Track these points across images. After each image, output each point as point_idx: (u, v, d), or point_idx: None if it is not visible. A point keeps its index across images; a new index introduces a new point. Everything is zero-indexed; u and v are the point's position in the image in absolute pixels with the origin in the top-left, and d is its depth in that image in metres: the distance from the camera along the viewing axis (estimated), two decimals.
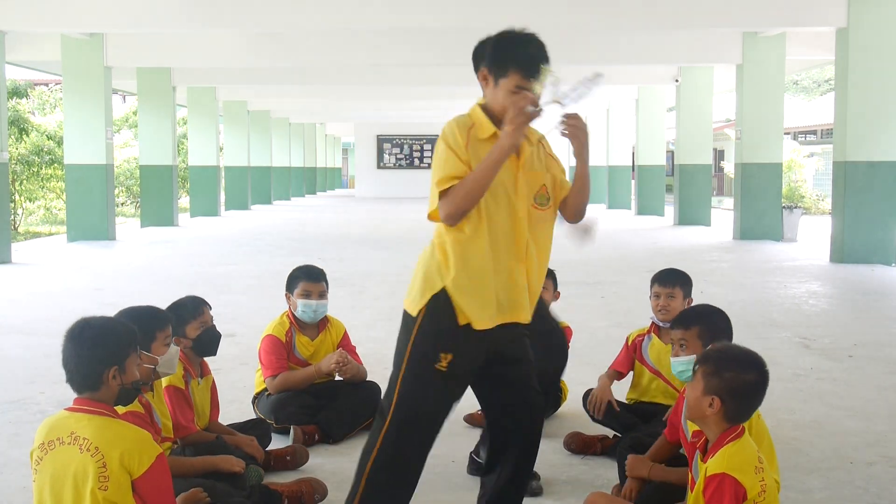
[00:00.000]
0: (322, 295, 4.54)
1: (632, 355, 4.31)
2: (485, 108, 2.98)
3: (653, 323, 4.28)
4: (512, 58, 2.91)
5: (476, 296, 2.88)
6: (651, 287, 4.31)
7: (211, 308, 4.01)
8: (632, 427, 4.01)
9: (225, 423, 4.10)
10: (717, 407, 2.74)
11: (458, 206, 2.83)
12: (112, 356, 2.72)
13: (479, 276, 2.89)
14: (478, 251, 2.89)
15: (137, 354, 2.84)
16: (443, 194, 2.84)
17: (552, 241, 3.13)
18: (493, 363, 3.03)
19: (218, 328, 3.99)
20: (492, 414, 3.17)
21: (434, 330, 2.91)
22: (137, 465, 2.63)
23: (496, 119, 2.95)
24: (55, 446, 2.67)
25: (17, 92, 22.86)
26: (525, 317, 2.99)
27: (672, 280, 4.25)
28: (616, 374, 4.34)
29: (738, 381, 2.76)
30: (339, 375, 4.52)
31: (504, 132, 2.82)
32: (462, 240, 2.89)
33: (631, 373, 4.33)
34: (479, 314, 2.89)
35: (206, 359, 4.01)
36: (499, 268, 2.91)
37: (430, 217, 2.94)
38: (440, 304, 2.89)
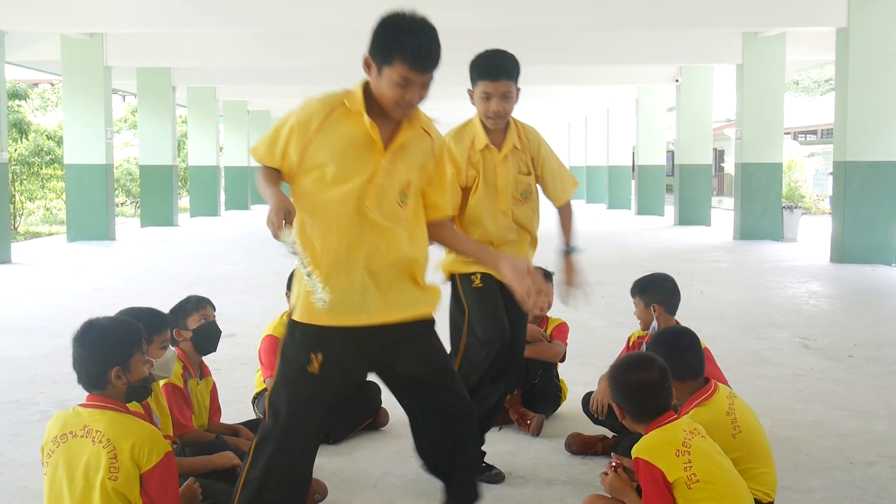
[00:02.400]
0: None
1: None
2: (367, 90, 2.72)
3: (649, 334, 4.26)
4: (398, 47, 2.60)
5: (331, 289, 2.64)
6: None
7: (215, 309, 4.02)
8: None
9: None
10: (619, 412, 2.93)
11: (258, 185, 2.77)
12: (114, 356, 2.77)
13: (328, 273, 2.68)
14: (323, 246, 2.71)
15: (144, 352, 2.88)
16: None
17: (421, 230, 2.88)
18: (393, 370, 2.88)
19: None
20: (415, 421, 3.00)
21: (302, 332, 2.73)
22: (147, 458, 2.69)
23: (374, 105, 2.70)
24: (68, 440, 2.72)
25: (17, 94, 22.83)
26: (391, 317, 2.76)
27: (633, 289, 4.24)
28: None
29: (625, 383, 2.92)
30: None
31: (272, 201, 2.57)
32: (309, 235, 2.72)
33: None
34: (333, 310, 2.65)
35: (206, 359, 4.01)
36: (345, 268, 2.71)
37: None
38: (304, 304, 2.73)
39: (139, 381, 2.82)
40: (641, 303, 4.18)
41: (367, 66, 2.68)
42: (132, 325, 2.90)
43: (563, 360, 4.71)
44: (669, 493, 2.72)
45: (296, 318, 2.75)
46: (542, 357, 4.58)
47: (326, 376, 2.72)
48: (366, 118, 2.68)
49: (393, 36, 2.61)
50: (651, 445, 2.80)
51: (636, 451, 2.81)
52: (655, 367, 2.93)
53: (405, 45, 2.59)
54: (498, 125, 3.76)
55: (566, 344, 4.73)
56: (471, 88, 3.71)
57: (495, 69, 3.61)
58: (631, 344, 4.33)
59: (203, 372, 3.97)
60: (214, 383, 4.06)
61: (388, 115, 2.72)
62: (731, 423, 3.13)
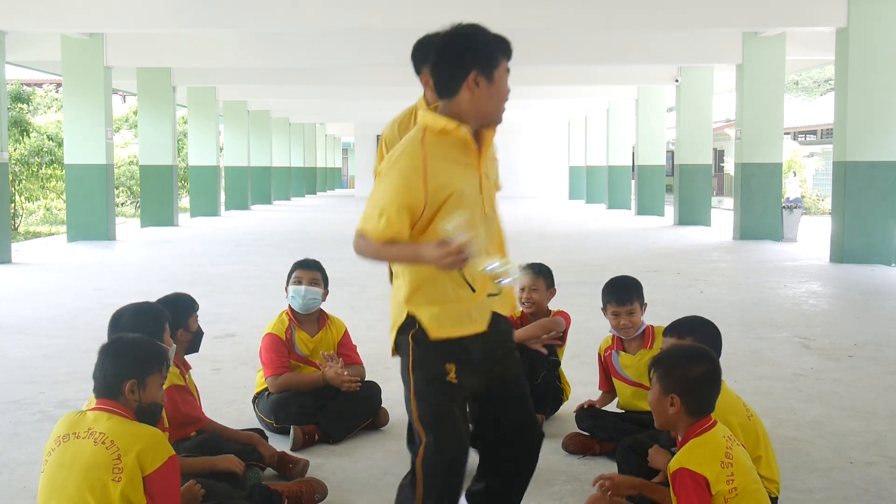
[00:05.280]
0: (313, 283, 4.53)
1: (608, 371, 4.31)
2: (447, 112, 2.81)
3: (615, 337, 4.25)
4: (499, 48, 2.81)
5: (439, 306, 2.78)
6: (606, 304, 4.20)
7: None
8: (629, 433, 3.98)
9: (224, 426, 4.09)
10: (677, 404, 2.82)
11: (364, 256, 2.78)
12: (132, 369, 2.83)
13: (438, 287, 2.78)
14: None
15: (163, 377, 2.94)
16: (366, 230, 2.72)
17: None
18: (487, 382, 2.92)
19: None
20: (486, 436, 3.03)
21: (428, 347, 2.79)
22: (151, 461, 2.71)
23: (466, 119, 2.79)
24: (70, 439, 2.74)
25: (19, 97, 22.82)
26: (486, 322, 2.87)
27: (629, 296, 4.15)
28: (609, 395, 4.34)
29: (690, 374, 2.85)
30: (344, 390, 4.47)
31: (433, 256, 2.62)
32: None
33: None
34: (443, 323, 2.78)
35: (205, 359, 4.02)
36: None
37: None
38: (414, 325, 2.80)
39: (150, 403, 2.86)
40: (639, 305, 4.16)
41: (475, 83, 2.74)
42: (158, 346, 2.98)
43: (563, 339, 4.65)
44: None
45: (433, 336, 2.77)
46: (545, 328, 4.51)
47: (461, 385, 2.82)
48: (463, 129, 2.76)
49: (489, 42, 2.78)
50: (697, 455, 2.73)
51: (679, 461, 2.73)
52: (716, 360, 2.93)
53: (502, 44, 2.79)
54: None
55: (566, 334, 4.69)
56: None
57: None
58: (602, 361, 4.31)
59: (186, 366, 3.97)
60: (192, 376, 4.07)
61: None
62: (743, 404, 3.20)
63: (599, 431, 4.14)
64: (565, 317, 4.69)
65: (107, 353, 2.86)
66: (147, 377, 2.85)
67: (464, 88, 2.75)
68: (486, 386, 2.90)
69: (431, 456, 2.78)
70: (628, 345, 4.20)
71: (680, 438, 2.85)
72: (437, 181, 2.72)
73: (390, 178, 2.74)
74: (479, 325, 2.83)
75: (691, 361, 2.89)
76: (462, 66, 2.74)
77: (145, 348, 2.92)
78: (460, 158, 2.79)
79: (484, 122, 2.82)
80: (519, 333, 4.46)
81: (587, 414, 4.25)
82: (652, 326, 4.21)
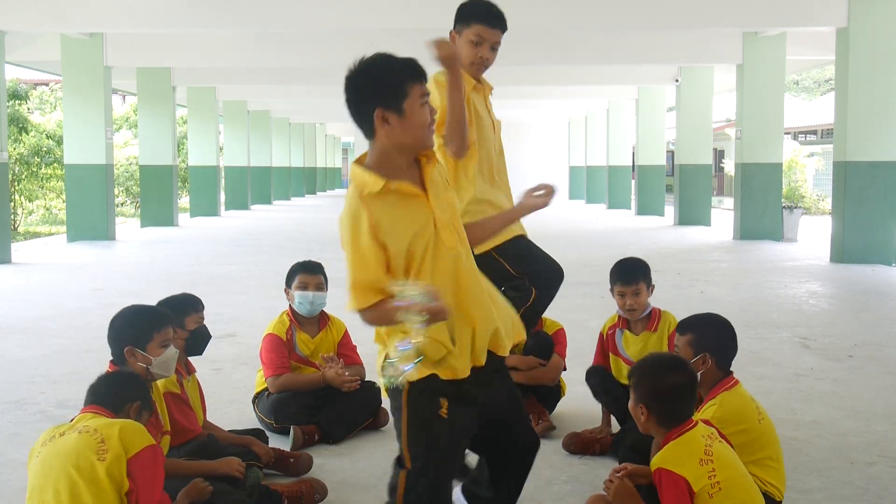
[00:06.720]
0: (319, 287, 4.53)
1: (606, 349, 4.33)
2: (370, 158, 2.69)
3: (621, 316, 4.28)
4: (406, 76, 2.63)
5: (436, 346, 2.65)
6: (613, 285, 4.24)
7: (204, 309, 4.03)
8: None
9: (225, 427, 4.09)
10: (645, 414, 2.83)
11: (377, 324, 2.66)
12: (137, 395, 3.04)
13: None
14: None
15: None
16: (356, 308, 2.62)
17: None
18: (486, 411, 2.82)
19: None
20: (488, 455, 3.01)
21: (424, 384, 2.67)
22: (131, 443, 2.77)
23: (385, 164, 2.66)
24: (55, 439, 2.81)
25: (17, 95, 22.83)
26: (504, 349, 2.84)
27: (634, 276, 4.18)
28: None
29: (658, 385, 2.83)
30: (344, 390, 4.47)
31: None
32: None
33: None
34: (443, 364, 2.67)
35: (206, 359, 4.00)
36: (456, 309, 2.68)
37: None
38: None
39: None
40: (645, 286, 4.16)
41: (381, 126, 2.61)
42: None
43: (564, 368, 4.68)
44: (692, 502, 2.68)
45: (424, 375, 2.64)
46: (542, 381, 4.52)
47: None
48: (392, 184, 2.60)
49: (391, 73, 2.61)
50: (674, 456, 2.74)
51: (657, 462, 2.75)
52: (689, 371, 2.91)
53: (408, 70, 2.61)
54: (479, 73, 3.90)
55: (564, 357, 4.66)
56: (454, 31, 3.79)
57: (494, 18, 3.78)
58: (604, 337, 4.33)
59: (189, 369, 3.96)
60: (197, 379, 4.05)
61: (402, 164, 2.66)
62: (756, 408, 3.20)
63: (603, 394, 4.18)
64: (562, 335, 4.67)
65: (113, 380, 3.05)
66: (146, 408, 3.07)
67: (377, 126, 2.60)
68: (483, 415, 2.80)
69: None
70: (633, 325, 4.24)
71: (661, 443, 2.86)
72: (392, 244, 2.59)
73: (350, 245, 2.64)
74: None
75: (661, 372, 2.87)
76: (365, 104, 2.60)
77: (137, 381, 3.11)
78: (405, 206, 2.63)
79: (414, 152, 2.68)
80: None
81: (596, 371, 4.30)
82: (659, 309, 4.24)
